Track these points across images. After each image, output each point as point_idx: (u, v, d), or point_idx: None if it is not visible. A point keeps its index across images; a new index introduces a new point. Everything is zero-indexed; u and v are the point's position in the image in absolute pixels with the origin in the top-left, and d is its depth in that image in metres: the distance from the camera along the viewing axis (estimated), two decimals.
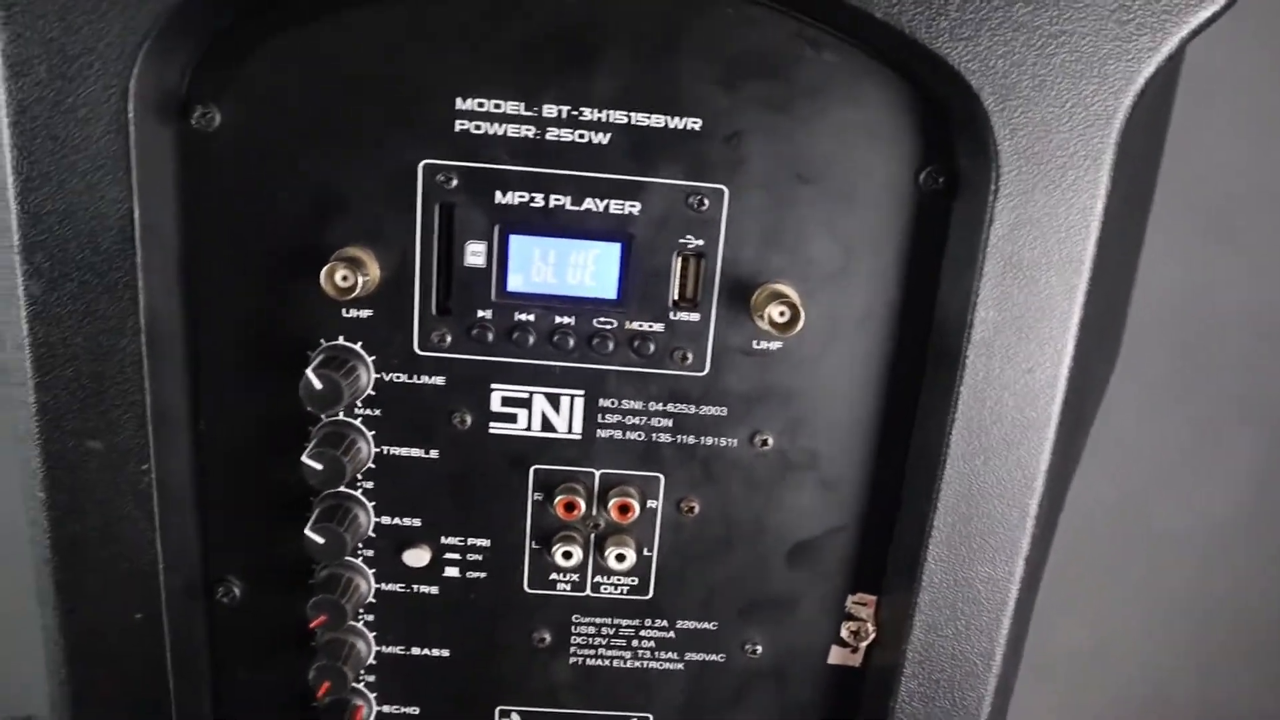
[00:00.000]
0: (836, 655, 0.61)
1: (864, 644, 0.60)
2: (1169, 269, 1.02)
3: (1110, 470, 1.13)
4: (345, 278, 0.51)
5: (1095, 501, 1.14)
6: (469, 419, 0.55)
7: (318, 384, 0.51)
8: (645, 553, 0.58)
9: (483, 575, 0.58)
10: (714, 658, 0.60)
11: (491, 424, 0.55)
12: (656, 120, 0.51)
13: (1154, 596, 1.21)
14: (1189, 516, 1.17)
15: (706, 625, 0.60)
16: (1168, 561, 1.19)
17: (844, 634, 0.60)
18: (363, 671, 0.60)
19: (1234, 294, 1.06)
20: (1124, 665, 1.25)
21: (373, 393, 0.55)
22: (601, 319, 0.54)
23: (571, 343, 0.54)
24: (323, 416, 0.55)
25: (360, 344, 0.54)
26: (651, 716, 0.62)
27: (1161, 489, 1.15)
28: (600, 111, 0.51)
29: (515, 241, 0.53)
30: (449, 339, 0.54)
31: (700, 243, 0.53)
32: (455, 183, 0.52)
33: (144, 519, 0.53)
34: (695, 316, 0.54)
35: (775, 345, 0.55)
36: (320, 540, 0.54)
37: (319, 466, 0.53)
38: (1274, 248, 1.05)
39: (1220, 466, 1.15)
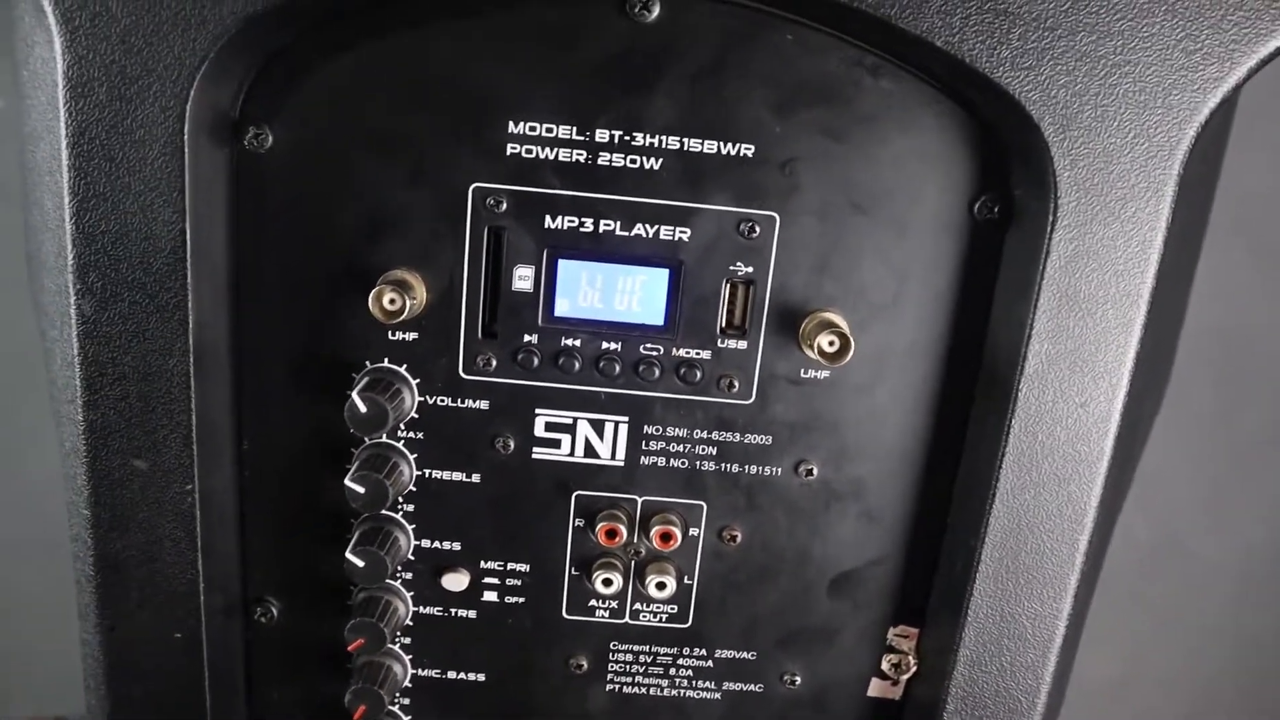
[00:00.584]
0: (876, 688, 0.60)
1: (905, 677, 0.59)
2: (1206, 296, 1.01)
3: (1145, 498, 1.12)
4: (393, 301, 0.51)
5: (1130, 528, 1.13)
6: (512, 444, 0.55)
7: (363, 407, 0.51)
8: (686, 581, 0.57)
9: (521, 600, 0.58)
10: (752, 688, 0.60)
11: (535, 449, 0.55)
12: (709, 146, 0.51)
13: (1187, 625, 1.19)
14: (1224, 545, 1.15)
15: (745, 655, 0.59)
16: (1201, 590, 1.18)
17: (885, 666, 0.59)
18: (399, 695, 0.59)
19: (1272, 321, 1.05)
20: (1155, 694, 1.23)
21: (416, 415, 0.54)
22: (648, 345, 0.53)
23: (617, 369, 0.53)
24: (366, 439, 0.55)
25: (405, 366, 0.54)
26: None
27: (1197, 517, 1.13)
28: (653, 136, 0.51)
29: (563, 266, 0.52)
30: (494, 363, 0.54)
31: (750, 270, 0.52)
32: (505, 206, 0.51)
33: (186, 539, 0.53)
34: (743, 344, 0.53)
35: (823, 374, 0.54)
36: (360, 563, 0.54)
37: (361, 490, 0.52)
38: None
39: (1256, 495, 1.13)
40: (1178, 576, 1.17)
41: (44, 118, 0.49)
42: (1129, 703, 1.24)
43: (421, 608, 0.58)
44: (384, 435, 0.55)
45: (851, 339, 0.51)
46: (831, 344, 0.51)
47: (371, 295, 0.50)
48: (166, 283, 0.49)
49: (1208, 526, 1.14)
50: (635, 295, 0.53)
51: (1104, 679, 1.22)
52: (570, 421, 0.55)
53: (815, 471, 0.55)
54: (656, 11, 0.48)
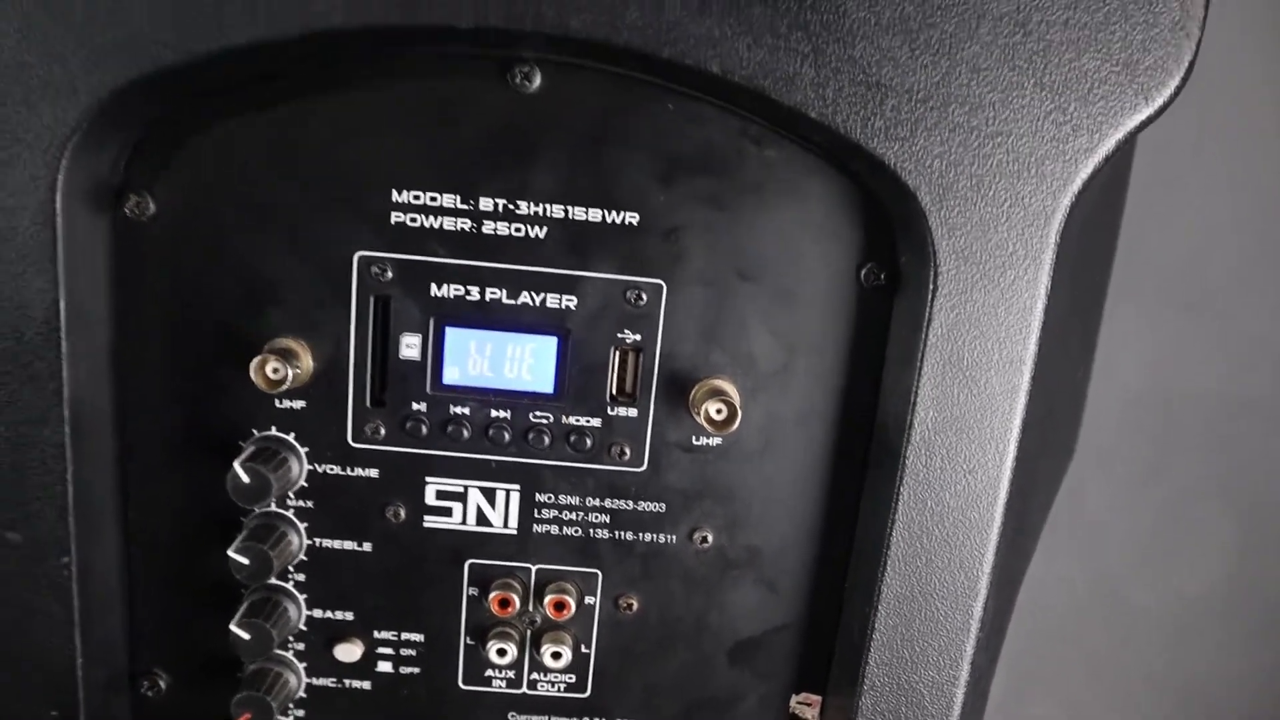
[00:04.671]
0: None
1: None
2: (1139, 350, 1.02)
3: (1084, 550, 1.12)
4: (276, 370, 0.50)
5: (1068, 581, 1.13)
6: (403, 512, 0.54)
7: (245, 478, 0.50)
8: (583, 650, 0.56)
9: (416, 670, 0.57)
10: None
11: (426, 517, 0.54)
12: (594, 214, 0.51)
13: (1127, 675, 1.19)
14: (1162, 595, 1.15)
15: None
16: (1141, 640, 1.18)
17: None
18: None
19: (1204, 374, 1.06)
20: None
21: (305, 484, 0.54)
22: (538, 413, 0.53)
23: (507, 436, 0.53)
24: (253, 508, 0.54)
25: (293, 435, 0.53)
26: None
27: (1135, 568, 1.14)
28: (537, 205, 0.51)
29: (451, 334, 0.52)
30: (383, 431, 0.53)
31: (638, 337, 0.52)
32: (390, 275, 0.51)
33: (62, 613, 0.52)
34: (633, 412, 0.53)
35: (715, 441, 0.54)
36: (246, 636, 0.52)
37: (245, 561, 0.51)
38: (1243, 327, 1.05)
39: (1193, 546, 1.14)
40: (1115, 626, 1.17)
41: None
42: None
43: (314, 679, 0.57)
44: (272, 504, 0.54)
45: (739, 407, 0.51)
46: (719, 412, 0.51)
47: (254, 364, 0.50)
48: (40, 352, 0.48)
49: (1143, 577, 1.14)
50: (524, 363, 0.53)
51: None
52: (461, 490, 0.54)
53: (710, 539, 0.55)
54: (538, 82, 0.49)
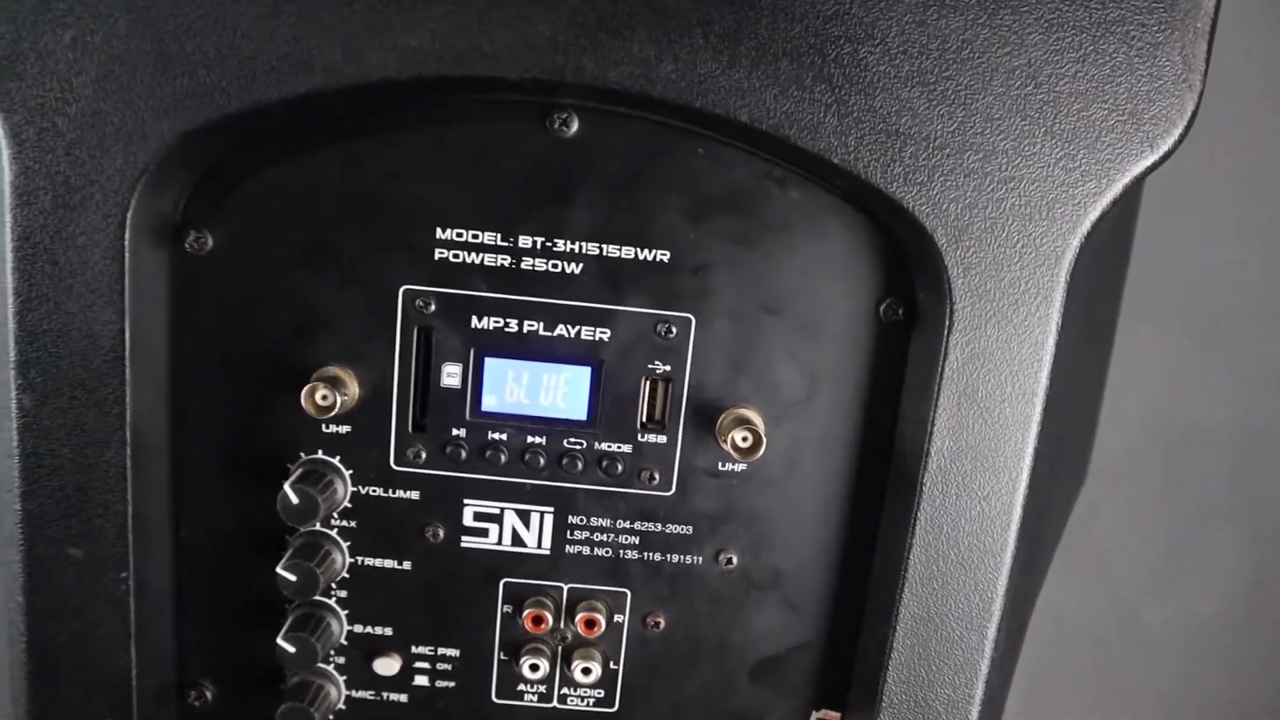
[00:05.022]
0: None
1: None
2: (1152, 376, 1.04)
3: (1098, 573, 1.14)
4: (325, 397, 0.53)
5: (1082, 604, 1.15)
6: (442, 533, 0.57)
7: (294, 499, 0.53)
8: (611, 666, 0.59)
9: (451, 684, 0.59)
10: None
11: (464, 538, 0.57)
12: (627, 252, 0.54)
13: (1141, 698, 1.20)
14: (1176, 619, 1.17)
15: None
16: (1155, 663, 1.19)
17: None
18: None
19: (1217, 399, 1.08)
20: None
21: (349, 505, 0.56)
22: (572, 439, 0.56)
23: (542, 461, 0.56)
24: (299, 527, 0.56)
25: (338, 458, 0.56)
26: None
27: (1148, 592, 1.15)
28: (573, 243, 0.53)
29: (490, 364, 0.55)
30: (424, 455, 0.56)
31: (668, 368, 0.55)
32: (433, 308, 0.54)
33: (119, 625, 0.54)
34: (663, 439, 0.56)
35: (740, 468, 0.56)
36: (291, 649, 0.55)
37: (293, 578, 0.54)
38: (1256, 353, 1.07)
39: (1206, 570, 1.15)
40: (1129, 647, 1.19)
41: None
42: None
43: (354, 691, 0.59)
44: (317, 524, 0.56)
45: (764, 436, 0.53)
46: (745, 439, 0.53)
47: (304, 391, 0.53)
48: (105, 379, 0.51)
49: (1157, 599, 1.16)
50: (559, 391, 0.55)
51: None
52: (498, 511, 0.57)
53: (735, 561, 0.57)
54: (575, 127, 0.52)
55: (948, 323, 0.52)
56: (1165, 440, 1.09)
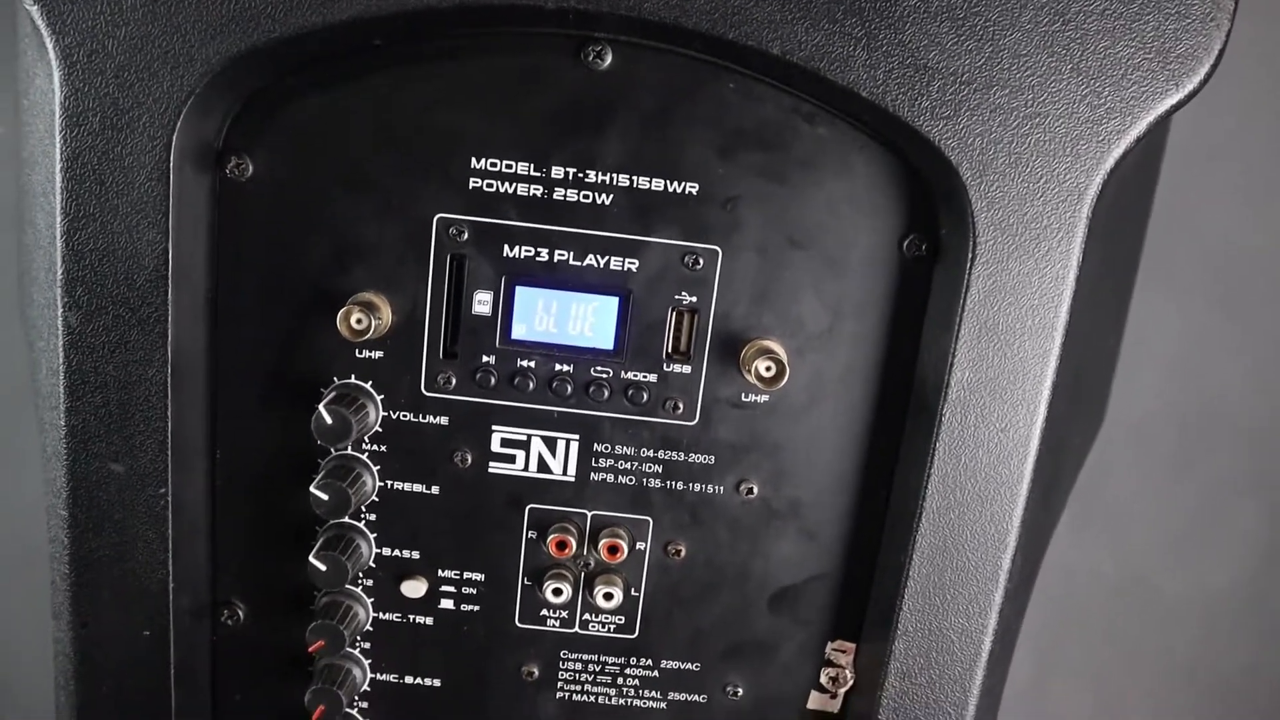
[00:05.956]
0: (815, 701, 0.62)
1: (842, 690, 0.62)
2: (1172, 344, 1.05)
3: (1114, 541, 1.15)
4: (360, 320, 0.54)
5: (1099, 571, 1.16)
6: (469, 458, 0.58)
7: (328, 419, 0.55)
8: (633, 593, 0.60)
9: (476, 609, 0.61)
10: (696, 698, 0.62)
11: (491, 464, 0.58)
12: (657, 184, 0.55)
13: (1156, 665, 1.21)
14: (1193, 587, 1.18)
15: (690, 666, 0.62)
16: (1171, 631, 1.20)
17: (823, 680, 0.62)
18: (357, 698, 0.62)
19: (1237, 369, 1.08)
20: None
21: (380, 430, 0.58)
22: (598, 368, 0.57)
23: (569, 389, 0.57)
24: (332, 450, 0.58)
25: (371, 383, 0.57)
26: None
27: (1166, 560, 1.16)
28: (605, 174, 0.55)
29: (520, 292, 0.56)
30: (454, 382, 0.57)
31: (694, 299, 0.56)
32: (466, 236, 0.55)
33: (157, 540, 0.56)
34: (687, 369, 0.57)
35: (763, 398, 0.57)
36: (323, 568, 0.57)
37: (325, 497, 0.56)
38: (1277, 320, 1.07)
39: (1224, 538, 1.16)
40: (1144, 615, 1.20)
41: (41, 144, 0.53)
42: None
43: (381, 613, 0.61)
44: (349, 447, 0.58)
45: (787, 365, 0.54)
46: (768, 369, 0.55)
47: (340, 314, 0.54)
48: (149, 298, 0.53)
49: (1174, 568, 1.16)
50: (587, 321, 0.57)
51: (1073, 717, 1.24)
52: (525, 438, 0.58)
53: (756, 491, 0.59)
54: (609, 60, 0.53)
55: (970, 256, 0.53)
56: (1184, 409, 1.09)
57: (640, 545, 0.59)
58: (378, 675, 0.62)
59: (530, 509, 0.59)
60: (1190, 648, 1.21)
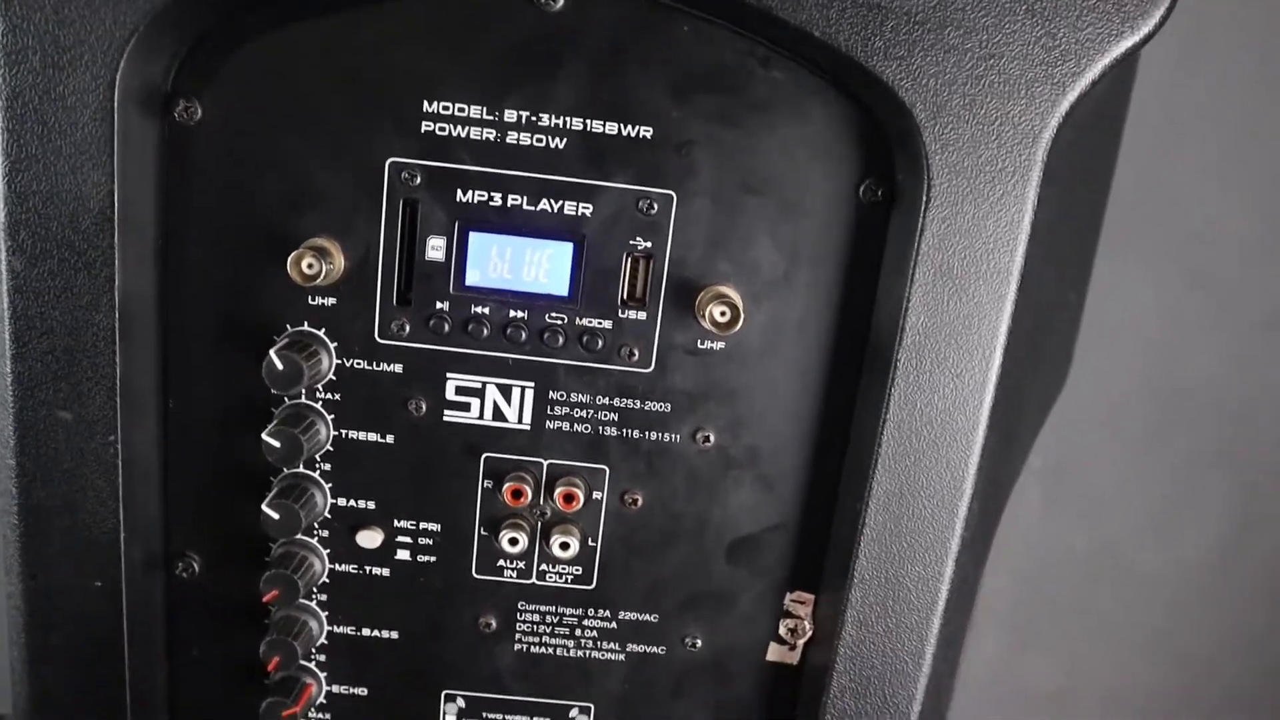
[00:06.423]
0: (774, 653, 0.62)
1: (801, 641, 0.62)
2: (1146, 319, 1.05)
3: (1087, 514, 1.16)
4: (311, 265, 0.54)
5: (1069, 545, 1.16)
6: (424, 406, 0.58)
7: (279, 364, 0.54)
8: (590, 543, 0.60)
9: (433, 559, 0.60)
10: (654, 650, 0.62)
11: (446, 412, 0.58)
12: (611, 127, 0.54)
13: (1126, 638, 1.22)
14: (1163, 561, 1.18)
15: (647, 617, 0.62)
16: (1141, 604, 1.21)
17: (782, 631, 0.62)
18: (314, 650, 0.62)
19: (1210, 343, 1.09)
20: (1093, 703, 1.25)
21: (333, 378, 0.57)
22: (553, 314, 0.56)
23: (524, 336, 0.57)
24: (285, 398, 0.57)
25: (323, 330, 0.57)
26: (593, 706, 0.63)
27: (1137, 533, 1.17)
28: (558, 118, 0.54)
29: (474, 238, 0.56)
30: (408, 328, 0.57)
31: (649, 245, 0.56)
32: (419, 180, 0.55)
33: (108, 489, 0.55)
34: (643, 315, 0.57)
35: (719, 345, 0.57)
36: (276, 516, 0.56)
37: (277, 444, 0.55)
38: (1250, 296, 1.07)
39: (1193, 512, 1.16)
40: (1117, 589, 1.20)
41: None
42: (1069, 711, 1.26)
43: (337, 565, 0.60)
44: (302, 395, 0.57)
45: (742, 310, 0.54)
46: (723, 314, 0.54)
47: (290, 259, 0.53)
48: (94, 241, 0.52)
49: (1146, 542, 1.17)
50: (542, 267, 0.56)
51: (1044, 690, 1.25)
52: (479, 386, 0.58)
53: (713, 439, 0.58)
54: (562, 1, 0.52)
55: (924, 199, 0.52)
56: (1157, 384, 1.10)
57: (597, 495, 0.59)
58: (334, 628, 0.61)
59: (486, 458, 0.59)
60: (1161, 621, 1.22)
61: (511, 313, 0.56)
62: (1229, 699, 1.26)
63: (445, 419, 0.58)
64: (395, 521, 0.60)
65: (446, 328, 0.56)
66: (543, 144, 0.54)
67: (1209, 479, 1.15)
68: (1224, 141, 1.01)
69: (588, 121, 0.54)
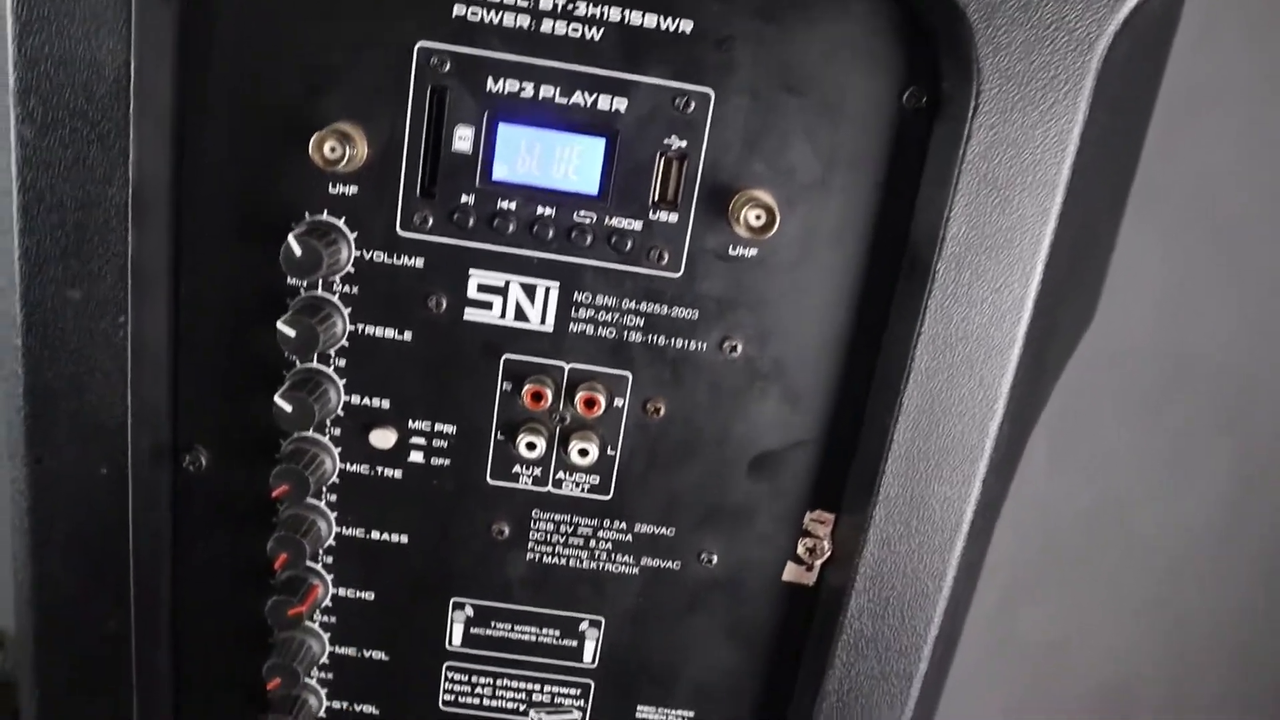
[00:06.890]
0: (791, 573, 0.61)
1: (819, 562, 0.61)
2: (1157, 278, 1.04)
3: (1089, 474, 1.15)
4: (334, 149, 0.52)
5: (1073, 503, 1.16)
6: (445, 303, 0.56)
7: (298, 250, 0.52)
8: (609, 451, 0.59)
9: (447, 462, 0.59)
10: (669, 565, 0.61)
11: (466, 310, 0.56)
12: (649, 20, 0.52)
13: (1124, 596, 1.22)
14: (1164, 522, 1.18)
15: (664, 531, 0.60)
16: (1140, 564, 1.21)
17: (800, 551, 0.61)
18: (321, 552, 0.61)
19: (1220, 304, 1.08)
20: (1089, 657, 1.26)
21: (351, 270, 0.55)
22: (582, 213, 0.55)
23: (550, 234, 0.55)
24: (301, 289, 0.56)
25: (343, 220, 0.55)
26: (604, 619, 0.62)
27: (1139, 495, 1.16)
28: (595, 7, 0.52)
29: (503, 130, 0.54)
30: (431, 221, 0.55)
31: (683, 144, 0.54)
32: (448, 67, 0.52)
33: (116, 372, 0.54)
34: (674, 217, 0.55)
35: (751, 252, 0.55)
36: (288, 408, 0.55)
37: (292, 333, 0.53)
38: (1260, 260, 1.06)
39: (1197, 475, 1.16)
40: (1118, 547, 1.20)
41: None
42: (1066, 664, 1.27)
43: (348, 465, 0.59)
44: (319, 286, 0.56)
45: (777, 214, 0.52)
46: (758, 218, 0.53)
47: (313, 140, 0.51)
48: (109, 112, 0.50)
49: (1149, 504, 1.17)
50: (572, 164, 0.54)
51: (1044, 641, 1.25)
52: (502, 284, 0.56)
53: (740, 349, 0.57)
54: None
55: (973, 105, 0.50)
56: (1165, 345, 1.09)
57: (619, 401, 0.58)
58: (343, 530, 0.60)
59: (506, 359, 0.57)
60: (1161, 579, 1.22)
61: (539, 209, 0.55)
62: (1226, 663, 1.26)
63: (465, 317, 0.56)
64: (410, 422, 0.58)
65: (471, 222, 0.55)
66: (578, 34, 0.52)
67: (1213, 441, 1.15)
68: (1246, 101, 0.99)
69: (626, 12, 0.52)
